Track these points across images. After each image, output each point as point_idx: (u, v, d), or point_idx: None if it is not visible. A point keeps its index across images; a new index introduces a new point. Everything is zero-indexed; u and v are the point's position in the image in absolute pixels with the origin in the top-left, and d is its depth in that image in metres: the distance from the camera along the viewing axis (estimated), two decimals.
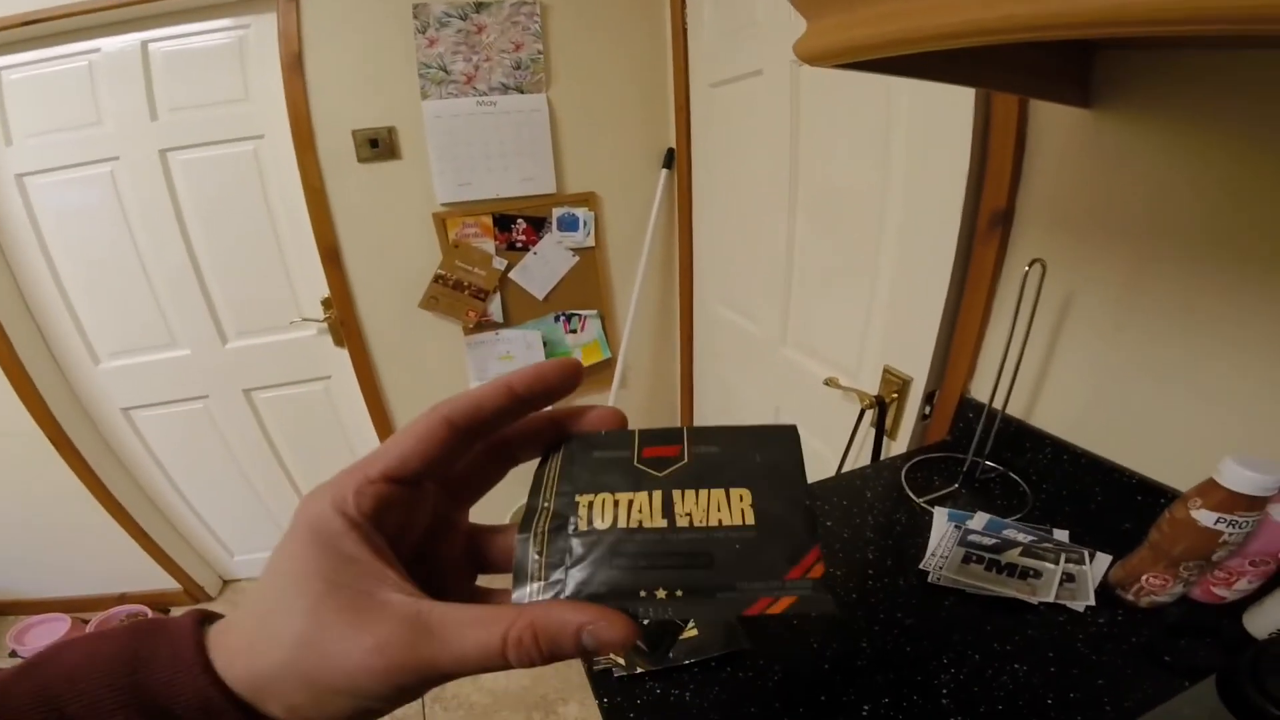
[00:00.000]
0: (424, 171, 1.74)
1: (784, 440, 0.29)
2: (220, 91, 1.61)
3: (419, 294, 1.86)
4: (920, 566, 0.80)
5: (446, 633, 0.23)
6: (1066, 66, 0.74)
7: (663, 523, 0.26)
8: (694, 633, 0.71)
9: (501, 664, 0.23)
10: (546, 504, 0.28)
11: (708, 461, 0.28)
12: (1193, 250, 0.72)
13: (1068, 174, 0.84)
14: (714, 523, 0.26)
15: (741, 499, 0.26)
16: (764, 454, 0.28)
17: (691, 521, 0.26)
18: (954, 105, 0.92)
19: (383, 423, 2.04)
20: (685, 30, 1.70)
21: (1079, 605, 0.72)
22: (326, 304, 1.85)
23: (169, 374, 1.90)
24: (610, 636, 0.23)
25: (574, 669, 1.83)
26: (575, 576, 0.25)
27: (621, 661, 0.69)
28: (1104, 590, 0.74)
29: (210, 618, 0.26)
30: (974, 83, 0.69)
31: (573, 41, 1.72)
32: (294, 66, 1.55)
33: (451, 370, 2.01)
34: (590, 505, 0.27)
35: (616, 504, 0.27)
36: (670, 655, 0.69)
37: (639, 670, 0.68)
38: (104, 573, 2.22)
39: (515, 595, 0.25)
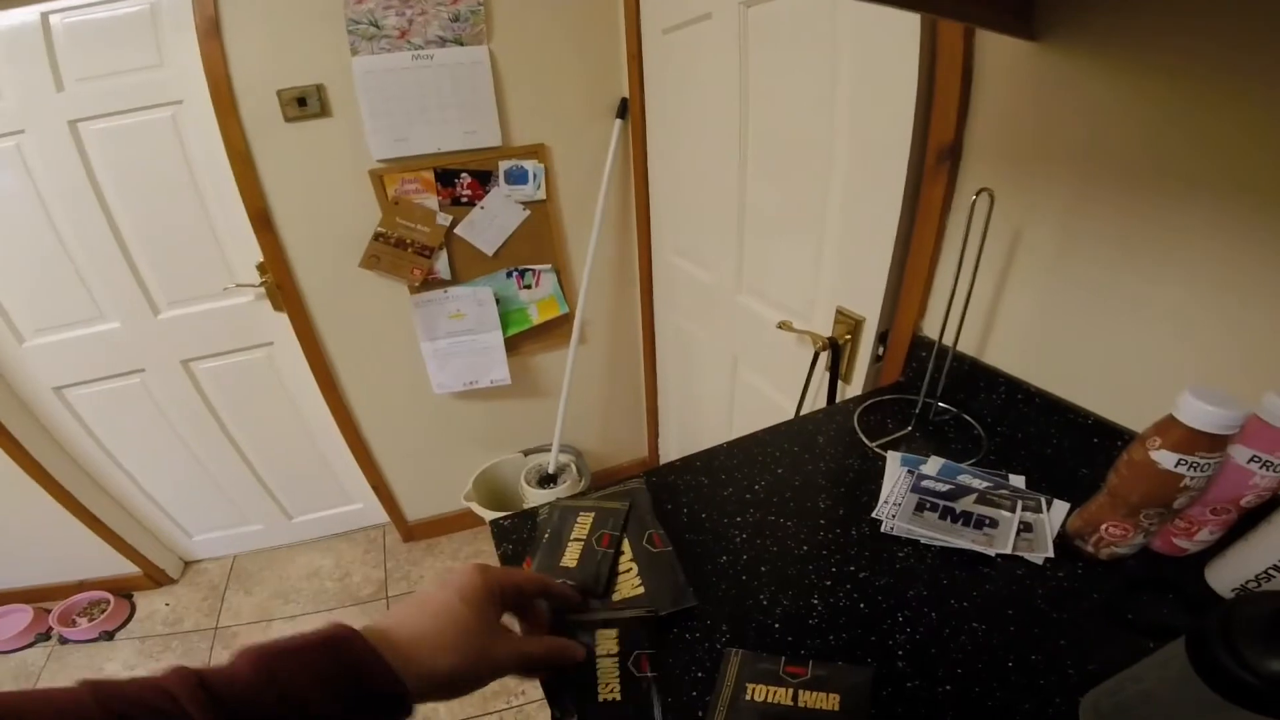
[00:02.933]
0: (357, 128, 1.65)
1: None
2: (132, 59, 1.52)
3: (359, 254, 1.78)
4: (873, 515, 0.77)
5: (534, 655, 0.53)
6: None
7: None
8: (640, 590, 0.68)
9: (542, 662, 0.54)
10: None
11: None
12: (1136, 175, 0.69)
13: (1014, 107, 0.81)
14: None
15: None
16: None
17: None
18: (901, 39, 0.89)
19: (330, 387, 1.98)
20: None
21: (1037, 557, 0.69)
22: (261, 268, 1.77)
23: (100, 349, 1.82)
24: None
25: None
26: None
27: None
28: (1063, 541, 0.71)
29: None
30: (917, 5, 0.66)
31: None
32: (210, 31, 1.45)
33: (398, 330, 1.95)
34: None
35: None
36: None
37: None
38: (59, 560, 2.17)
39: None
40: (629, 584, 0.69)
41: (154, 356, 1.88)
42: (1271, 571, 0.57)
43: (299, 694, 0.38)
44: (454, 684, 0.45)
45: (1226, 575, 0.62)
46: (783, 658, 0.59)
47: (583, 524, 0.76)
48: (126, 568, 2.22)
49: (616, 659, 0.57)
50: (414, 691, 0.42)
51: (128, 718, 0.33)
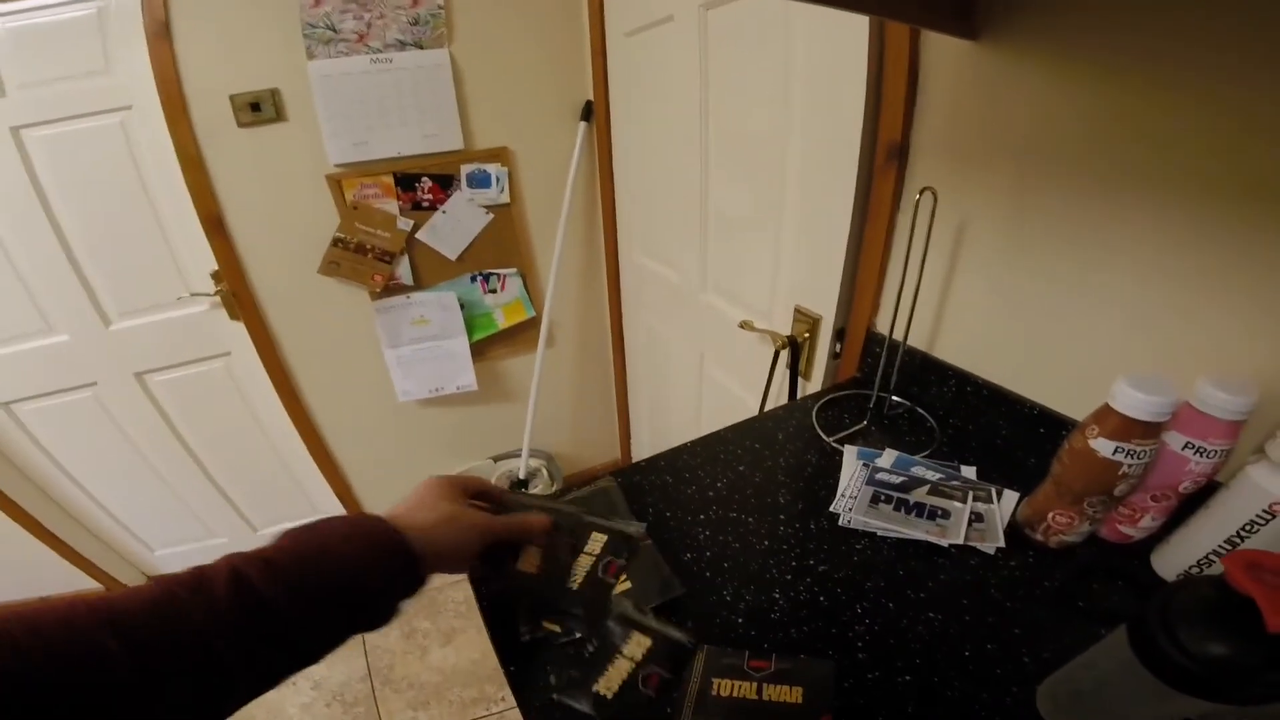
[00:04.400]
0: (314, 133, 1.63)
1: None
2: (78, 65, 1.47)
3: (318, 260, 1.76)
4: (831, 509, 0.79)
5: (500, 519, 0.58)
6: None
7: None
8: (627, 585, 0.69)
9: (527, 530, 0.60)
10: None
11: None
12: (1075, 167, 0.71)
13: (958, 105, 0.83)
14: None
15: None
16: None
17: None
18: (851, 41, 0.91)
19: (291, 397, 1.95)
20: None
21: (989, 547, 0.71)
22: (216, 277, 1.73)
23: (48, 362, 1.76)
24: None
25: None
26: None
27: (557, 629, 0.65)
28: (1013, 530, 0.73)
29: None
30: (860, 7, 0.67)
31: None
32: (160, 34, 1.42)
33: (360, 337, 1.92)
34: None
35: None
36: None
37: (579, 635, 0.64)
38: (19, 578, 2.10)
39: None
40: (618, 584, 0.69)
41: (106, 369, 1.82)
42: (1212, 556, 0.59)
43: (335, 548, 0.46)
44: (442, 545, 0.52)
45: (1171, 561, 0.64)
46: (746, 652, 0.60)
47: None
48: (88, 583, 2.16)
49: (593, 559, 0.61)
50: (419, 553, 0.49)
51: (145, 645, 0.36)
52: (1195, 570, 0.61)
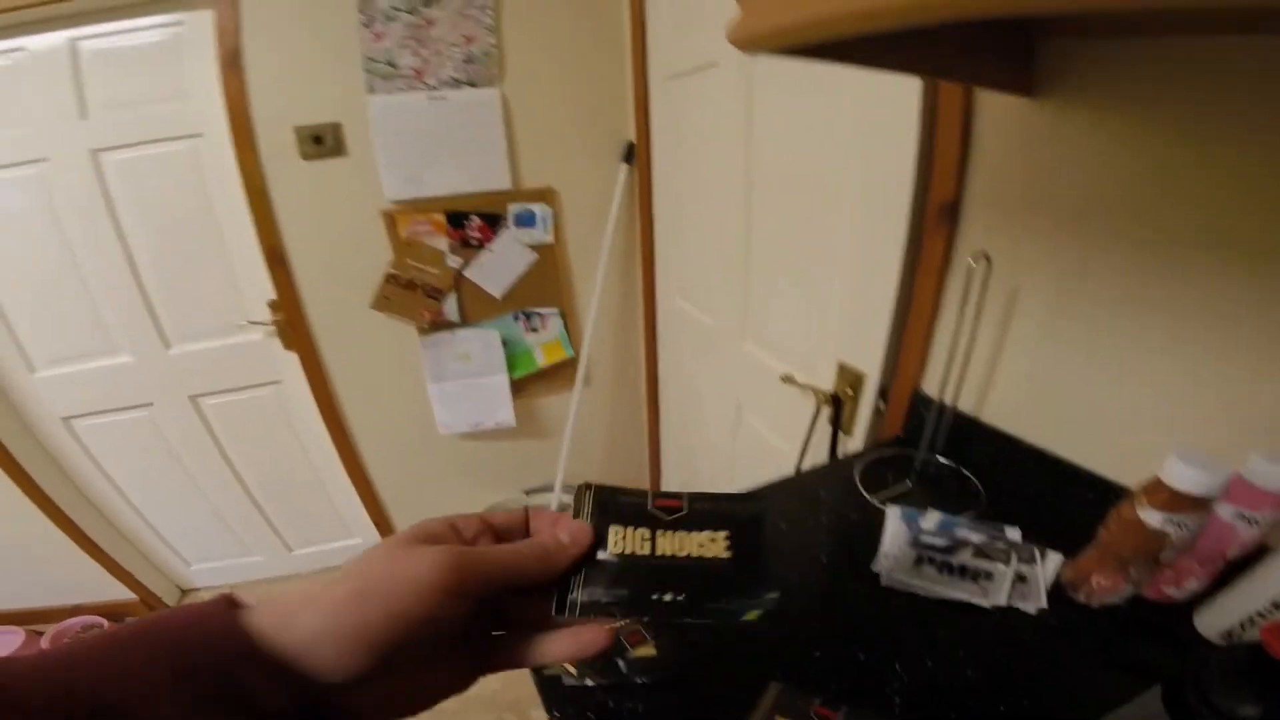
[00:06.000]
0: (371, 168, 1.69)
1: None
2: (155, 89, 1.55)
3: (370, 294, 1.81)
4: (872, 568, 0.78)
5: (487, 551, 0.34)
6: (1008, 53, 0.72)
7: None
8: (651, 651, 0.69)
9: (522, 562, 0.34)
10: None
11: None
12: (1128, 233, 0.71)
13: (1012, 164, 0.83)
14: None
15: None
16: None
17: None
18: (901, 96, 0.91)
19: (336, 426, 1.99)
20: (644, 22, 1.67)
21: (1031, 608, 0.70)
22: (274, 306, 1.79)
23: (110, 382, 1.83)
24: (581, 536, 0.37)
25: None
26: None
27: (573, 671, 0.67)
28: (1056, 591, 0.72)
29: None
30: (916, 70, 0.67)
31: (527, 34, 1.68)
32: (232, 63, 1.50)
33: (406, 371, 1.97)
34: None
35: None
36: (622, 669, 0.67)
37: (589, 682, 0.66)
38: (55, 584, 2.15)
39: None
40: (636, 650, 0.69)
41: (163, 391, 1.89)
42: (1256, 617, 0.59)
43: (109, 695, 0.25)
44: (339, 626, 0.29)
45: (1214, 621, 0.63)
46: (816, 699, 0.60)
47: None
48: (123, 593, 2.20)
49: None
50: (276, 655, 0.28)
51: None
52: (1238, 630, 0.61)
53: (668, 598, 0.35)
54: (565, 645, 0.35)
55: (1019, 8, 0.33)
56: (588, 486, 0.41)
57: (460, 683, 0.35)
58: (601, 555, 0.37)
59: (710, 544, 0.38)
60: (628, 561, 0.37)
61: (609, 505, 0.40)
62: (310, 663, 0.28)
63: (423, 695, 0.34)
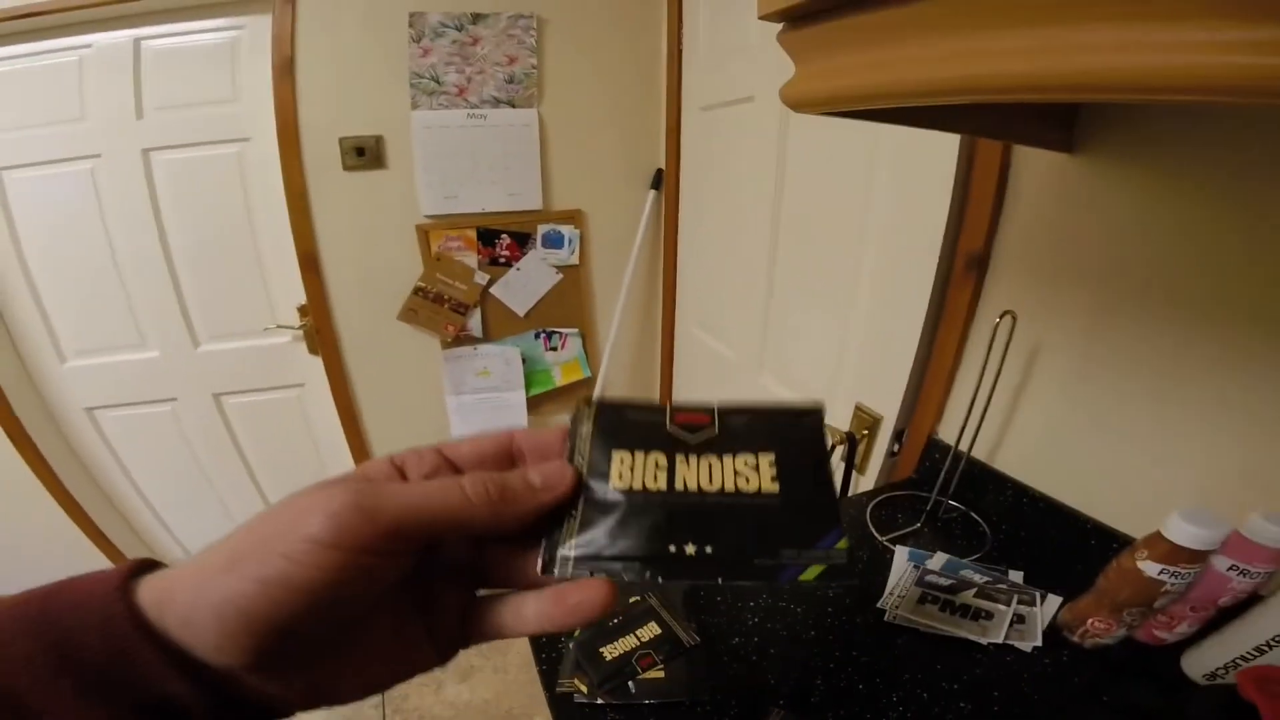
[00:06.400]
0: (409, 182, 1.73)
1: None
2: (209, 92, 1.60)
3: (397, 305, 1.85)
4: (878, 605, 0.81)
5: (401, 491, 0.25)
6: (1052, 114, 0.74)
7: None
8: (660, 674, 0.71)
9: (458, 505, 0.25)
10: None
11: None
12: (1150, 294, 0.74)
13: (1044, 219, 0.85)
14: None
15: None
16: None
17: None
18: (939, 145, 0.92)
19: (355, 433, 2.02)
20: (681, 52, 1.71)
21: (1026, 646, 0.73)
22: (302, 311, 1.83)
23: (136, 375, 1.87)
24: (556, 481, 0.27)
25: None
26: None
27: (583, 688, 0.69)
28: (1052, 631, 0.75)
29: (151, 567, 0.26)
30: (959, 129, 0.70)
31: (567, 58, 1.72)
32: (285, 70, 1.54)
33: (427, 383, 2.00)
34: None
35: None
36: (632, 691, 0.68)
37: (599, 701, 0.68)
38: (63, 575, 2.13)
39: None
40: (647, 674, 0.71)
41: (187, 387, 1.92)
42: (1240, 660, 0.62)
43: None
44: (225, 590, 0.23)
45: (1200, 663, 0.66)
46: None
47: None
48: None
49: (636, 645, 0.60)
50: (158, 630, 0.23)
51: None
52: (1221, 673, 0.63)
53: (692, 550, 0.26)
54: (549, 609, 0.27)
55: (1074, 94, 0.35)
56: (587, 402, 0.31)
57: (426, 659, 0.28)
58: (601, 490, 0.28)
59: (751, 473, 0.28)
60: (637, 500, 0.27)
61: (613, 426, 0.30)
62: (192, 645, 0.23)
63: (373, 675, 0.27)
